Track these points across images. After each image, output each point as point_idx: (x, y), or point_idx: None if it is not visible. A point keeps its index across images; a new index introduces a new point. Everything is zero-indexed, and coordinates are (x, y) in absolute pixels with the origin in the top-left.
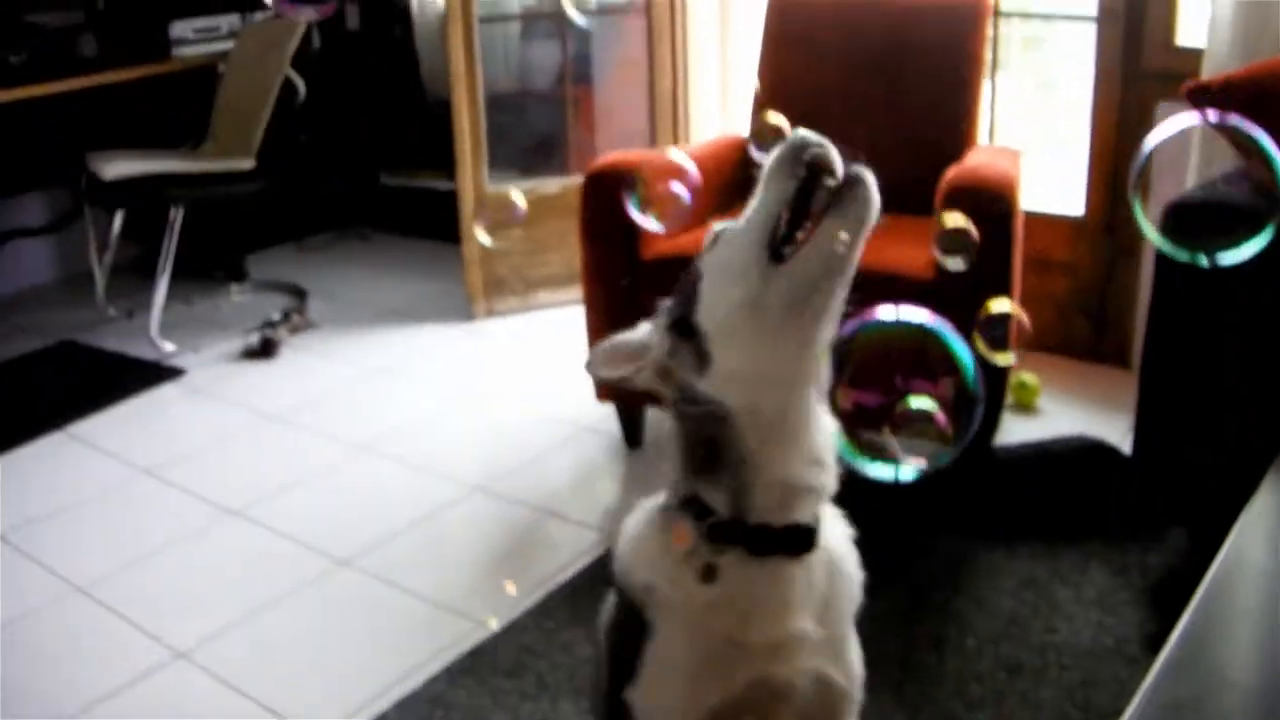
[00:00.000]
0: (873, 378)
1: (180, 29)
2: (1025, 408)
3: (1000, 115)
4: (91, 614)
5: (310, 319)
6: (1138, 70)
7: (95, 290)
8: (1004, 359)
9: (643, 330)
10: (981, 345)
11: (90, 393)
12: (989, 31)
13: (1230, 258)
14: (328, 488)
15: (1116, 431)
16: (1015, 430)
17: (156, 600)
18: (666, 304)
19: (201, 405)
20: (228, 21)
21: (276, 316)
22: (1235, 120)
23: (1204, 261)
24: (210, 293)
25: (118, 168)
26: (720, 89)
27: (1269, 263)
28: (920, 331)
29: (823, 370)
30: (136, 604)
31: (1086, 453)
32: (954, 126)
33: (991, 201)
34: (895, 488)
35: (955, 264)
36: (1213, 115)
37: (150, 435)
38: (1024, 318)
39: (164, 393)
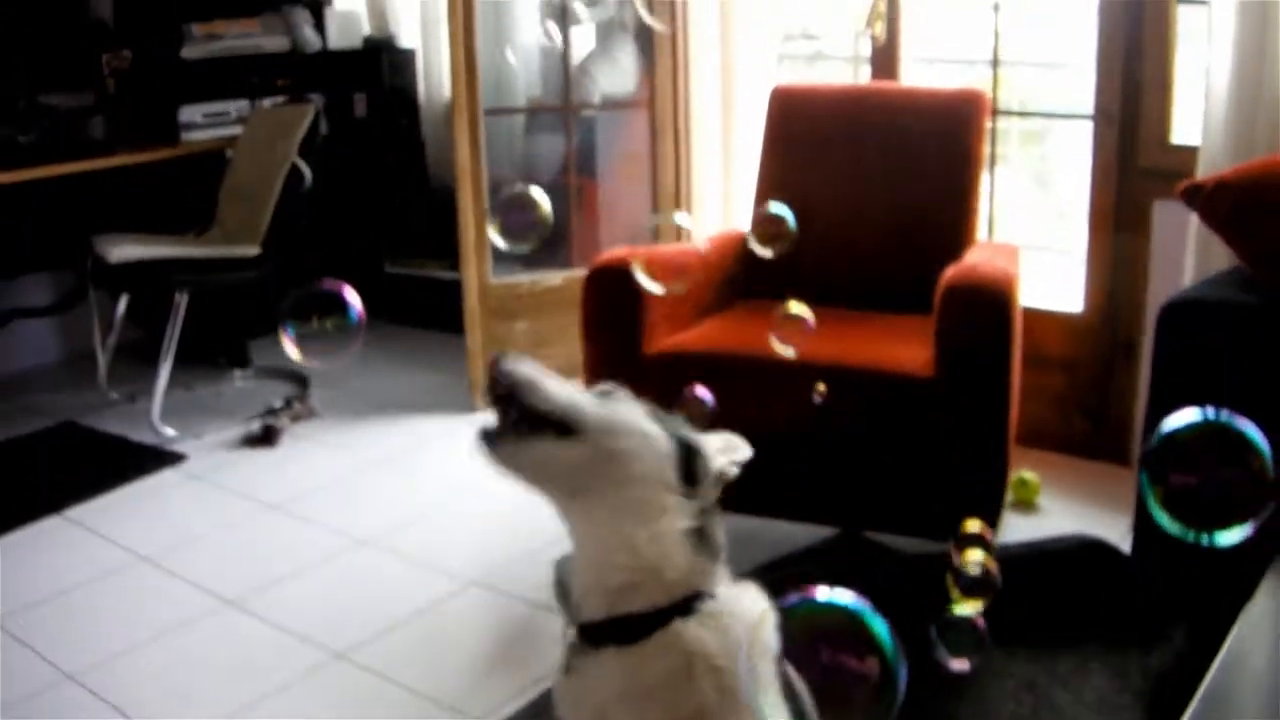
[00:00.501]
0: (806, 652)
1: (189, 113)
2: (1025, 505)
3: (999, 210)
4: (83, 702)
5: (313, 407)
6: (1134, 167)
7: (98, 372)
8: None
9: None
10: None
11: (90, 476)
12: (987, 126)
13: (1224, 538)
14: (325, 579)
15: (1116, 530)
16: (1015, 529)
17: (150, 690)
18: None
19: (201, 492)
20: (237, 107)
21: (278, 404)
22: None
23: (1203, 540)
24: (213, 379)
25: (123, 251)
26: (723, 182)
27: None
28: (845, 613)
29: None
30: (129, 694)
31: (1086, 552)
32: (953, 222)
33: (990, 302)
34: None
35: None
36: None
37: (149, 521)
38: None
39: (164, 478)
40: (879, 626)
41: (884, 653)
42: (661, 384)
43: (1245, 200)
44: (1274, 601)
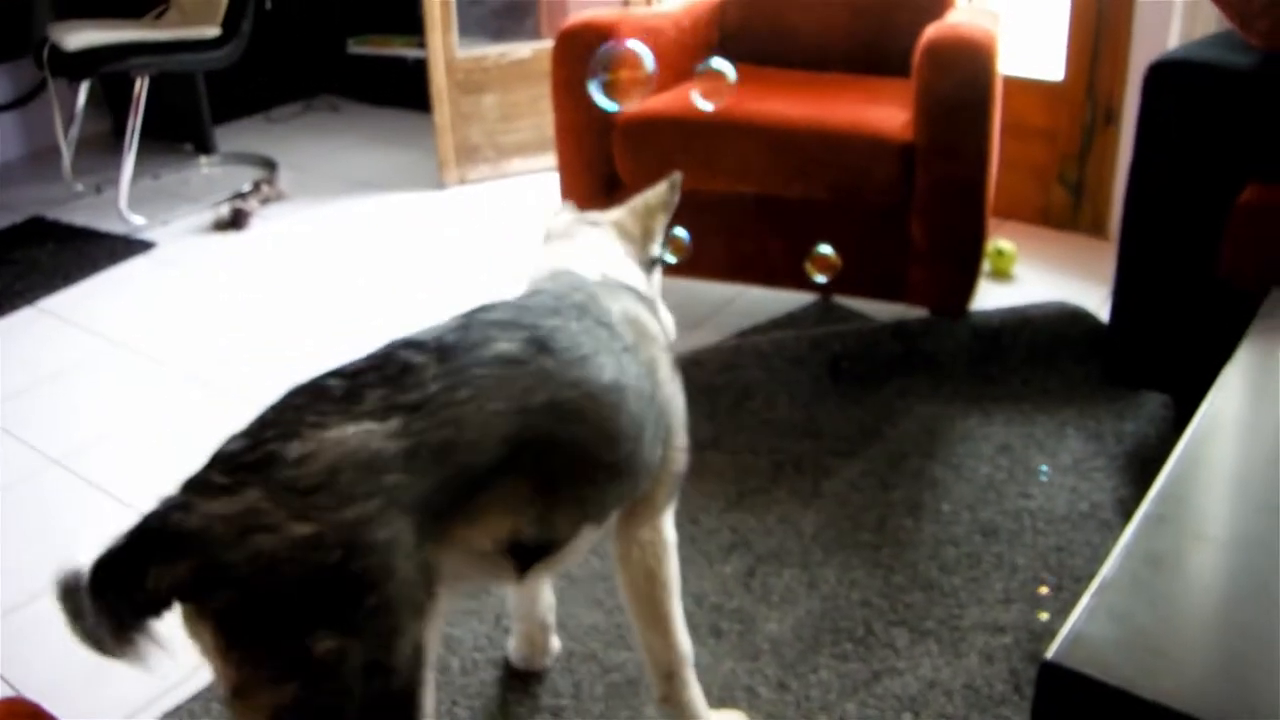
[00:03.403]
0: None
1: None
2: (1002, 275)
3: None
4: (69, 486)
5: (281, 189)
6: None
7: (62, 165)
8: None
9: None
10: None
11: (60, 268)
12: None
13: None
14: (299, 356)
15: (1093, 300)
16: (992, 297)
17: (135, 471)
18: None
19: (172, 277)
20: None
21: (246, 188)
22: None
23: None
24: (179, 166)
25: (80, 38)
26: None
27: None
28: None
29: None
30: (114, 475)
31: (1064, 319)
32: None
33: (970, 59)
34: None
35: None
36: None
37: (122, 308)
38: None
39: (134, 266)
40: None
41: None
42: (634, 151)
43: None
44: (1253, 358)
